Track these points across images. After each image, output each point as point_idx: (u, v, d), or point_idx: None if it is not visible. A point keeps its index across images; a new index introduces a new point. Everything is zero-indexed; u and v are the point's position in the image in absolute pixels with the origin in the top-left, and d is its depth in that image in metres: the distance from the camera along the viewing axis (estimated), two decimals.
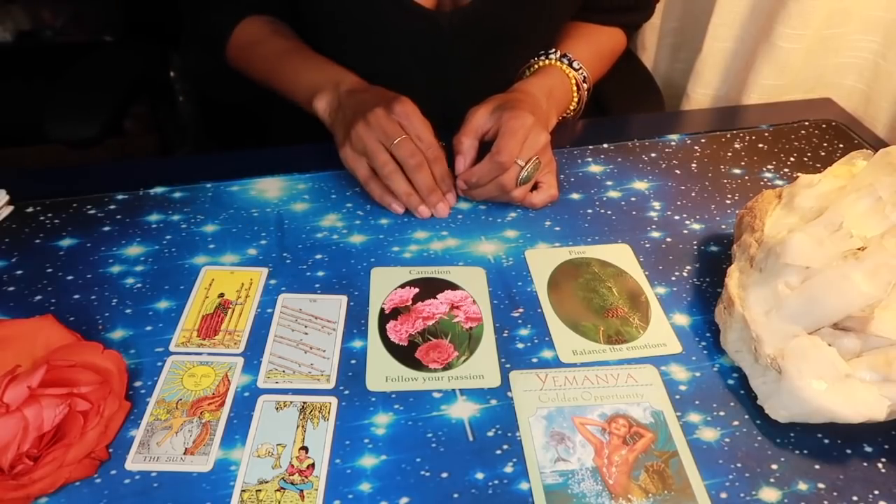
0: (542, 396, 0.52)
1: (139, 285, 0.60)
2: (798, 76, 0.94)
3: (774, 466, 0.48)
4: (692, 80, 1.01)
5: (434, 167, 0.67)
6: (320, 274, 0.62)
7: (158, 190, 0.71)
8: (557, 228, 0.68)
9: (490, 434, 0.50)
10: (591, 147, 0.79)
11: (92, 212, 0.68)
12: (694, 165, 0.76)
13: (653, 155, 0.78)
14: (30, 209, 0.68)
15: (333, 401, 0.51)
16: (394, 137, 0.64)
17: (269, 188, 0.71)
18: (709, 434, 0.50)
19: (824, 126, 0.83)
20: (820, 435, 0.50)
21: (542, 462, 0.48)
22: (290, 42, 0.79)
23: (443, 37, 0.77)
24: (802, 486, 0.47)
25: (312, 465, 0.47)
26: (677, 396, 0.52)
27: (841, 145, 0.80)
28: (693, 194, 0.72)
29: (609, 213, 0.70)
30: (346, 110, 0.69)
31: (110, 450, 0.48)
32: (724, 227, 0.68)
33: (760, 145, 0.80)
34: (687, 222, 0.69)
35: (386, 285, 0.61)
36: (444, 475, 0.47)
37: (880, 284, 0.48)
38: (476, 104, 0.70)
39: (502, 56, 0.82)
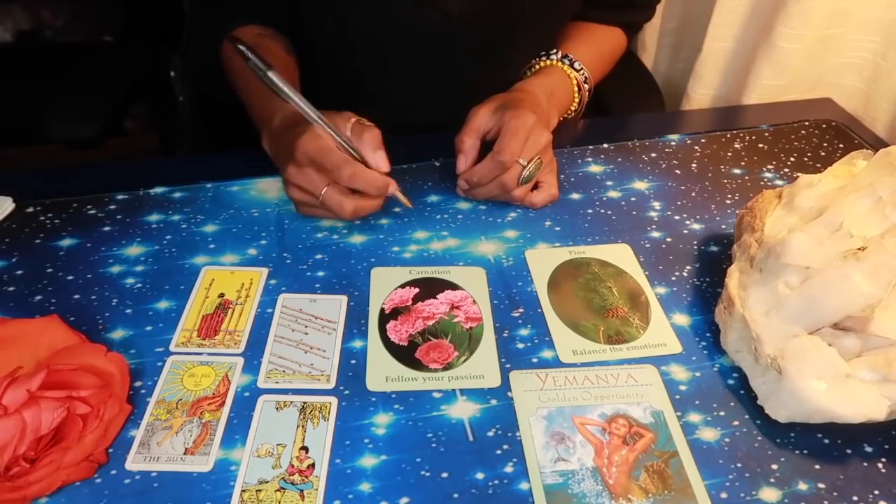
0: (542, 396, 0.52)
1: (139, 285, 0.60)
2: (798, 76, 0.94)
3: (774, 466, 0.48)
4: (692, 80, 1.01)
5: (358, 183, 0.61)
6: (320, 274, 0.62)
7: (158, 190, 0.71)
8: (557, 228, 0.68)
9: (490, 434, 0.50)
10: (591, 147, 0.79)
11: (92, 212, 0.68)
12: (694, 165, 0.76)
13: (653, 155, 0.78)
14: (30, 209, 0.68)
15: (333, 401, 0.51)
16: (316, 191, 0.61)
17: (269, 188, 0.71)
18: (709, 434, 0.50)
19: (824, 126, 0.83)
20: (820, 435, 0.50)
21: (542, 462, 0.48)
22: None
23: (452, 26, 0.77)
24: (802, 486, 0.47)
25: (312, 465, 0.47)
26: (677, 396, 0.52)
27: (841, 145, 0.80)
28: (693, 194, 0.72)
29: (609, 213, 0.70)
30: (277, 153, 0.67)
31: (110, 450, 0.48)
32: (724, 227, 0.68)
33: (760, 145, 0.80)
34: (687, 222, 0.69)
35: (386, 285, 0.61)
36: (444, 475, 0.47)
37: (880, 284, 0.48)
38: (483, 99, 0.70)
39: (510, 48, 0.82)
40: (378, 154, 0.62)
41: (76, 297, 0.59)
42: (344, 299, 0.60)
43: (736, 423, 0.51)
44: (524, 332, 0.57)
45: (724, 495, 0.46)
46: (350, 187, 0.61)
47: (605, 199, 0.71)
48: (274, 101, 0.67)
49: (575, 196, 0.72)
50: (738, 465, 0.48)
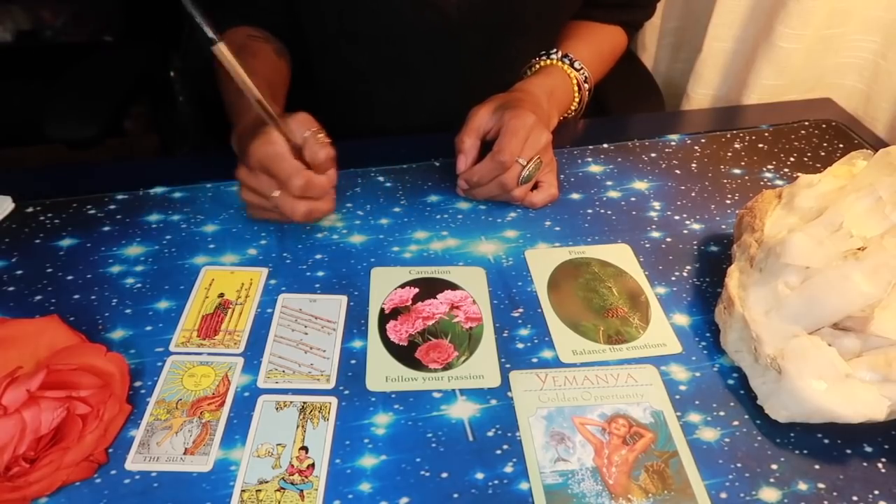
0: (542, 396, 0.52)
1: (139, 285, 0.60)
2: (798, 76, 0.94)
3: (774, 466, 0.48)
4: (692, 80, 1.01)
5: (310, 193, 0.60)
6: (320, 274, 0.62)
7: (158, 190, 0.71)
8: (557, 228, 0.68)
9: (490, 434, 0.50)
10: (591, 147, 0.79)
11: (92, 212, 0.68)
12: (694, 165, 0.76)
13: (653, 155, 0.78)
14: (30, 209, 0.68)
15: (333, 401, 0.51)
16: (268, 194, 0.60)
17: None
18: (709, 434, 0.50)
19: (824, 126, 0.83)
20: (820, 435, 0.50)
21: (542, 462, 0.48)
22: (246, 68, 0.75)
23: (452, 27, 0.77)
24: (802, 486, 0.47)
25: (312, 465, 0.47)
26: (677, 396, 0.52)
27: (841, 145, 0.80)
28: (693, 194, 0.72)
29: (609, 213, 0.70)
30: (239, 154, 0.66)
31: (109, 451, 0.48)
32: (724, 227, 0.68)
33: (760, 145, 0.80)
34: (687, 222, 0.69)
35: (386, 285, 0.61)
36: (444, 475, 0.47)
37: (880, 284, 0.48)
38: (483, 100, 0.70)
39: (509, 48, 0.82)
40: (327, 176, 0.61)
41: (76, 297, 0.59)
42: (344, 299, 0.60)
43: (736, 423, 0.51)
44: (524, 332, 0.57)
45: (723, 495, 0.46)
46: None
47: (605, 199, 0.71)
48: (243, 102, 0.66)
49: (575, 196, 0.72)
50: (738, 465, 0.48)
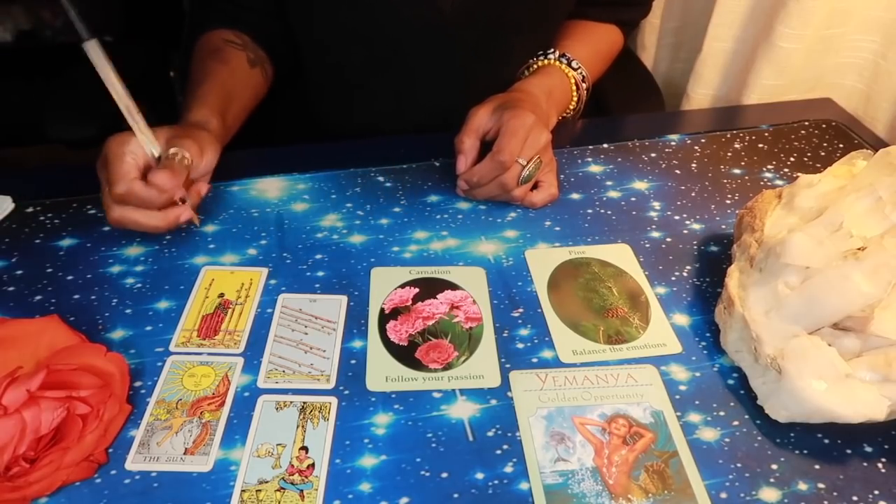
0: (542, 396, 0.52)
1: (139, 285, 0.60)
2: (798, 76, 0.94)
3: (774, 466, 0.48)
4: (692, 80, 1.01)
5: (131, 202, 0.59)
6: (320, 274, 0.62)
7: None
8: (557, 228, 0.68)
9: (490, 434, 0.50)
10: (591, 147, 0.79)
11: (92, 212, 0.68)
12: (694, 165, 0.76)
13: (653, 155, 0.78)
14: (30, 209, 0.68)
15: (333, 401, 0.51)
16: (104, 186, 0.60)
17: (269, 188, 0.71)
18: (709, 434, 0.50)
19: (824, 126, 0.83)
20: (820, 435, 0.50)
21: (542, 462, 0.48)
22: (209, 72, 0.74)
23: (445, 23, 0.77)
24: (802, 486, 0.47)
25: (312, 465, 0.47)
26: (677, 396, 0.52)
27: (841, 145, 0.80)
28: (693, 194, 0.72)
29: (609, 213, 0.70)
30: None
31: (109, 451, 0.48)
32: (724, 227, 0.68)
33: (760, 145, 0.80)
34: (687, 222, 0.69)
35: (386, 285, 0.61)
36: (444, 475, 0.47)
37: (880, 284, 0.48)
38: (479, 98, 0.70)
39: (504, 45, 0.82)
40: (160, 176, 0.58)
41: (76, 297, 0.59)
42: (344, 299, 0.60)
43: (736, 423, 0.51)
44: (524, 332, 0.57)
45: (723, 495, 0.46)
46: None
47: (605, 199, 0.71)
48: (187, 103, 0.69)
49: (575, 196, 0.72)
50: (738, 465, 0.48)
